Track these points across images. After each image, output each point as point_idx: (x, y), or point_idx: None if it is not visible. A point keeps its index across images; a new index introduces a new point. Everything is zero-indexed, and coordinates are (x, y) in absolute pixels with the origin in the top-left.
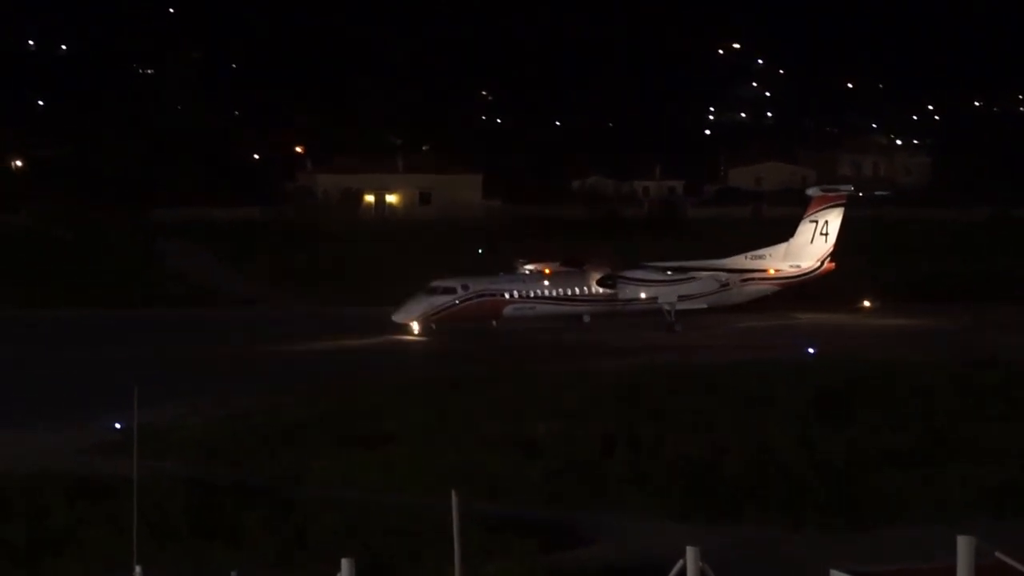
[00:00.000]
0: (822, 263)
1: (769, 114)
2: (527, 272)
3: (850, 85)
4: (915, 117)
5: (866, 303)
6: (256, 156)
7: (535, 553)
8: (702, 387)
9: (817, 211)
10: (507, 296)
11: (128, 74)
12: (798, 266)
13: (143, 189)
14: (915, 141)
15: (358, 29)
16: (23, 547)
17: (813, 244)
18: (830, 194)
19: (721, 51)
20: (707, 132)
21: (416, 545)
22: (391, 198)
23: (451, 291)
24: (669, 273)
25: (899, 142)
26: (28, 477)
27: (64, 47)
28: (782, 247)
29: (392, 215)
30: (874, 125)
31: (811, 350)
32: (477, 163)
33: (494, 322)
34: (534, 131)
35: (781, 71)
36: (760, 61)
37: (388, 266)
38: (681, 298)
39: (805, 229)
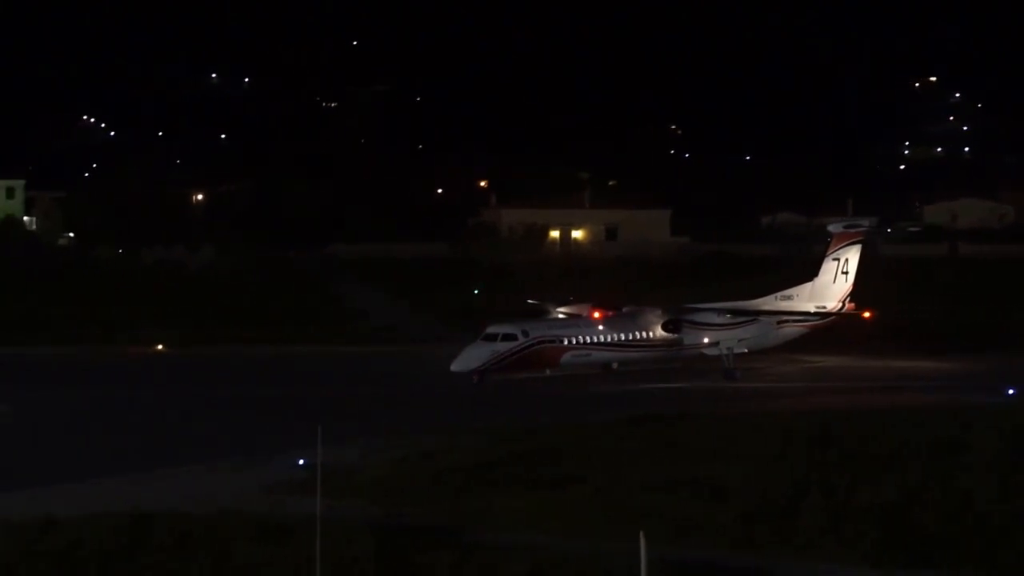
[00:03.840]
0: (843, 303)
1: (966, 149)
2: (562, 317)
3: None
4: None
5: None
6: (439, 191)
7: None
8: (894, 430)
9: (838, 248)
10: (565, 342)
11: (311, 109)
12: (823, 307)
13: (325, 225)
14: None
15: (543, 65)
16: None
17: (836, 283)
18: (850, 230)
19: (917, 85)
20: (902, 167)
21: None
22: (577, 234)
23: (512, 338)
24: (729, 316)
25: None
26: (212, 515)
27: (247, 80)
28: (807, 287)
29: (577, 251)
30: None
31: (1010, 391)
32: (665, 198)
33: (547, 371)
34: (724, 166)
35: (979, 105)
36: (957, 95)
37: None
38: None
39: (828, 267)
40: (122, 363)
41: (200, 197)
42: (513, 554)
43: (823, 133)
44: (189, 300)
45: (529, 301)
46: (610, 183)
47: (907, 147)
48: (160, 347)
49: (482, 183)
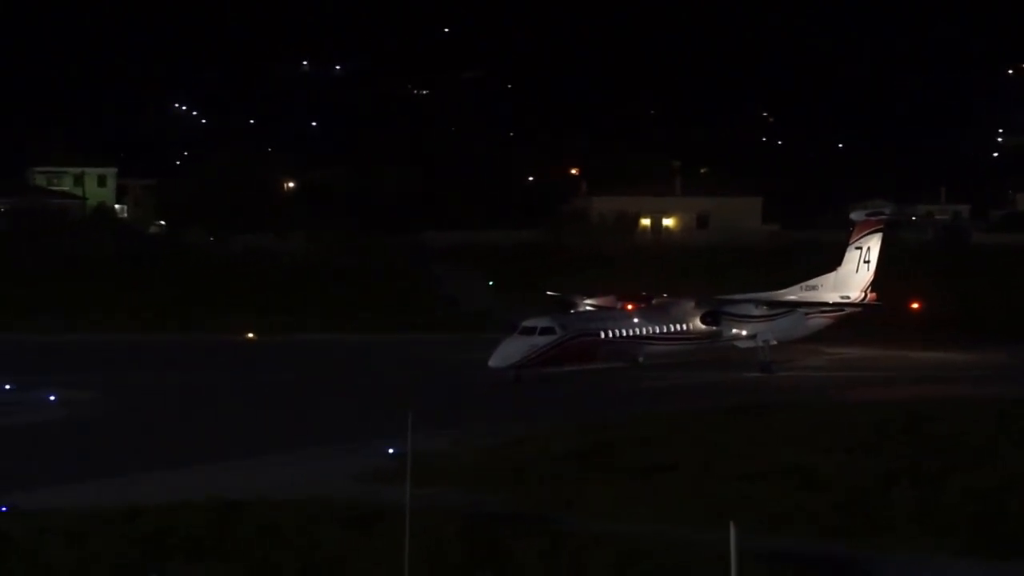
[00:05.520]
0: (866, 293)
1: None
2: (590, 308)
3: None
4: None
5: None
6: (531, 178)
7: None
8: (989, 419)
9: (860, 237)
10: (603, 336)
11: (403, 95)
12: (847, 296)
13: (416, 211)
14: None
15: (636, 51)
16: (296, 575)
17: (858, 273)
18: (872, 218)
19: (1011, 72)
20: (995, 155)
21: None
22: (668, 221)
23: (550, 331)
24: (765, 308)
25: None
26: (301, 503)
27: (338, 67)
28: (831, 276)
29: (668, 239)
30: None
31: None
32: (757, 186)
33: (587, 365)
34: (816, 153)
35: None
36: None
37: (662, 291)
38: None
39: (851, 257)
40: (213, 350)
41: (291, 184)
42: (602, 542)
43: (917, 120)
44: (280, 287)
45: (549, 293)
46: (701, 171)
47: (1001, 135)
48: (251, 334)
49: (573, 170)
